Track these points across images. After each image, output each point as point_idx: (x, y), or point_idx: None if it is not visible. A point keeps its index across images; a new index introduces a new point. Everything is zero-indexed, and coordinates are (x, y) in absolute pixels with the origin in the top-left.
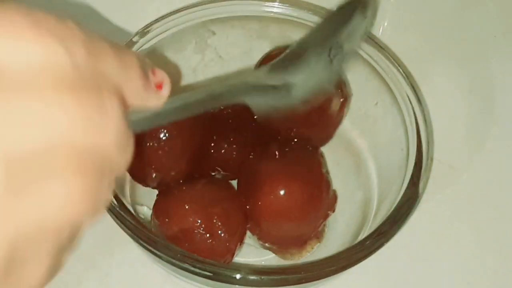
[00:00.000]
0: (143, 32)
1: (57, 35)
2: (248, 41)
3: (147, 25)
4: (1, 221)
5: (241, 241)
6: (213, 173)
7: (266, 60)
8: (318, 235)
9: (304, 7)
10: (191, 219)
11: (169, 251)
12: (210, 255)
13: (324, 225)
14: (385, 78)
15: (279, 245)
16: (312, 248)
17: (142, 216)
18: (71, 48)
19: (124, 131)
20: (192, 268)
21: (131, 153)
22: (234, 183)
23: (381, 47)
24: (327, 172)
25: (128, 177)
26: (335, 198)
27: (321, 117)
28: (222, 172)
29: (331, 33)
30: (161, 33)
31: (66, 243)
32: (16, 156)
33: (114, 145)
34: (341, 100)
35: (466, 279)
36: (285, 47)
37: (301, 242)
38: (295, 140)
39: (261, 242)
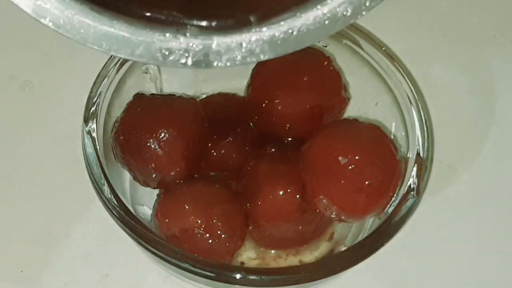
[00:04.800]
0: None
1: None
2: None
3: None
4: None
5: (241, 241)
6: (213, 173)
7: (265, 60)
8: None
9: None
10: (191, 219)
11: (169, 251)
12: (210, 255)
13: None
14: (385, 78)
15: (279, 245)
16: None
17: (142, 216)
18: None
19: None
20: (192, 268)
21: None
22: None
23: (381, 47)
24: None
25: (128, 177)
26: None
27: (319, 119)
28: (222, 173)
29: None
30: None
31: None
32: None
33: None
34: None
35: (466, 279)
36: None
37: (301, 243)
38: (294, 141)
39: (261, 242)
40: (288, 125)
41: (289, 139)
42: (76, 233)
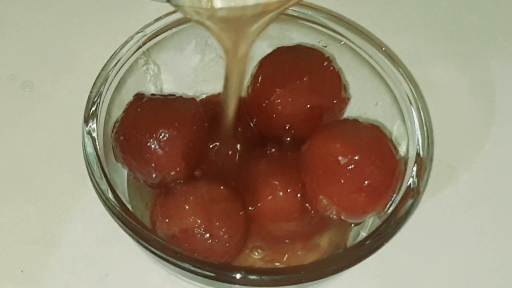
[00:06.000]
0: (143, 31)
1: None
2: None
3: (147, 24)
4: None
5: (241, 241)
6: (213, 173)
7: (266, 60)
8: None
9: (304, 6)
10: (191, 219)
11: (169, 251)
12: (210, 255)
13: None
14: (385, 78)
15: (279, 245)
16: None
17: None
18: None
19: None
20: (192, 268)
21: None
22: None
23: (381, 47)
24: None
25: (128, 176)
26: None
27: (319, 119)
28: (222, 173)
29: None
30: (161, 33)
31: None
32: None
33: None
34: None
35: (466, 279)
36: (285, 48)
37: (301, 243)
38: (294, 141)
39: (261, 242)
40: (288, 125)
41: (289, 139)
42: (76, 233)
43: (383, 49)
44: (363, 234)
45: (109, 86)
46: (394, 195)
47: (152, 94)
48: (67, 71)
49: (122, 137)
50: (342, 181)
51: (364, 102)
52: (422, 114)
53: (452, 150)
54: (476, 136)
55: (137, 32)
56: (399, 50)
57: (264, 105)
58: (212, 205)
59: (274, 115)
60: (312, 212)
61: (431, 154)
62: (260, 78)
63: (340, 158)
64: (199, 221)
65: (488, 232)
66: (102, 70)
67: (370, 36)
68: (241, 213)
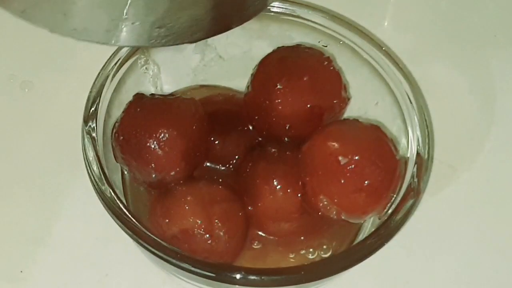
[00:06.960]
0: None
1: None
2: (248, 41)
3: None
4: None
5: (242, 241)
6: (213, 173)
7: (266, 60)
8: None
9: (304, 6)
10: (191, 220)
11: (169, 251)
12: (210, 256)
13: None
14: (385, 78)
15: (279, 245)
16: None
17: None
18: None
19: None
20: (192, 269)
21: None
22: None
23: (381, 47)
24: None
25: (128, 177)
26: None
27: (319, 119)
28: (221, 173)
29: None
30: None
31: None
32: None
33: None
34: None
35: (466, 279)
36: (285, 48)
37: (301, 243)
38: (294, 141)
39: (261, 242)
40: (288, 125)
41: (289, 139)
42: (76, 233)
43: (383, 49)
44: (363, 234)
45: (108, 86)
46: (394, 195)
47: (152, 94)
48: (67, 71)
49: (121, 137)
50: (342, 181)
51: (364, 102)
52: (422, 114)
53: (452, 150)
54: (476, 136)
55: None
56: (399, 50)
57: (264, 105)
58: (212, 206)
59: (274, 115)
60: (312, 212)
61: (431, 154)
62: (260, 78)
63: (340, 158)
64: (199, 222)
65: (488, 232)
66: (101, 70)
67: (370, 36)
68: (241, 213)
